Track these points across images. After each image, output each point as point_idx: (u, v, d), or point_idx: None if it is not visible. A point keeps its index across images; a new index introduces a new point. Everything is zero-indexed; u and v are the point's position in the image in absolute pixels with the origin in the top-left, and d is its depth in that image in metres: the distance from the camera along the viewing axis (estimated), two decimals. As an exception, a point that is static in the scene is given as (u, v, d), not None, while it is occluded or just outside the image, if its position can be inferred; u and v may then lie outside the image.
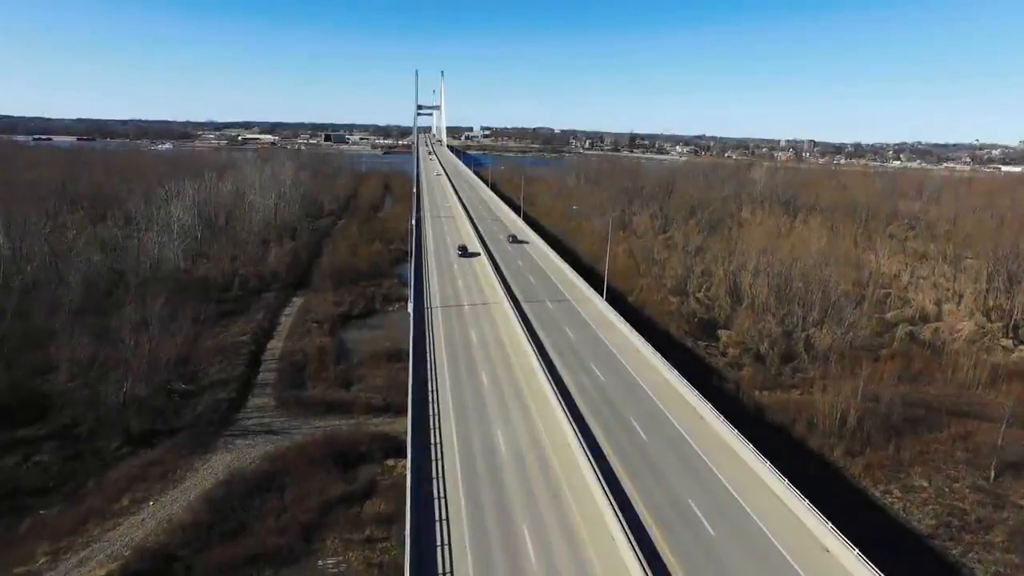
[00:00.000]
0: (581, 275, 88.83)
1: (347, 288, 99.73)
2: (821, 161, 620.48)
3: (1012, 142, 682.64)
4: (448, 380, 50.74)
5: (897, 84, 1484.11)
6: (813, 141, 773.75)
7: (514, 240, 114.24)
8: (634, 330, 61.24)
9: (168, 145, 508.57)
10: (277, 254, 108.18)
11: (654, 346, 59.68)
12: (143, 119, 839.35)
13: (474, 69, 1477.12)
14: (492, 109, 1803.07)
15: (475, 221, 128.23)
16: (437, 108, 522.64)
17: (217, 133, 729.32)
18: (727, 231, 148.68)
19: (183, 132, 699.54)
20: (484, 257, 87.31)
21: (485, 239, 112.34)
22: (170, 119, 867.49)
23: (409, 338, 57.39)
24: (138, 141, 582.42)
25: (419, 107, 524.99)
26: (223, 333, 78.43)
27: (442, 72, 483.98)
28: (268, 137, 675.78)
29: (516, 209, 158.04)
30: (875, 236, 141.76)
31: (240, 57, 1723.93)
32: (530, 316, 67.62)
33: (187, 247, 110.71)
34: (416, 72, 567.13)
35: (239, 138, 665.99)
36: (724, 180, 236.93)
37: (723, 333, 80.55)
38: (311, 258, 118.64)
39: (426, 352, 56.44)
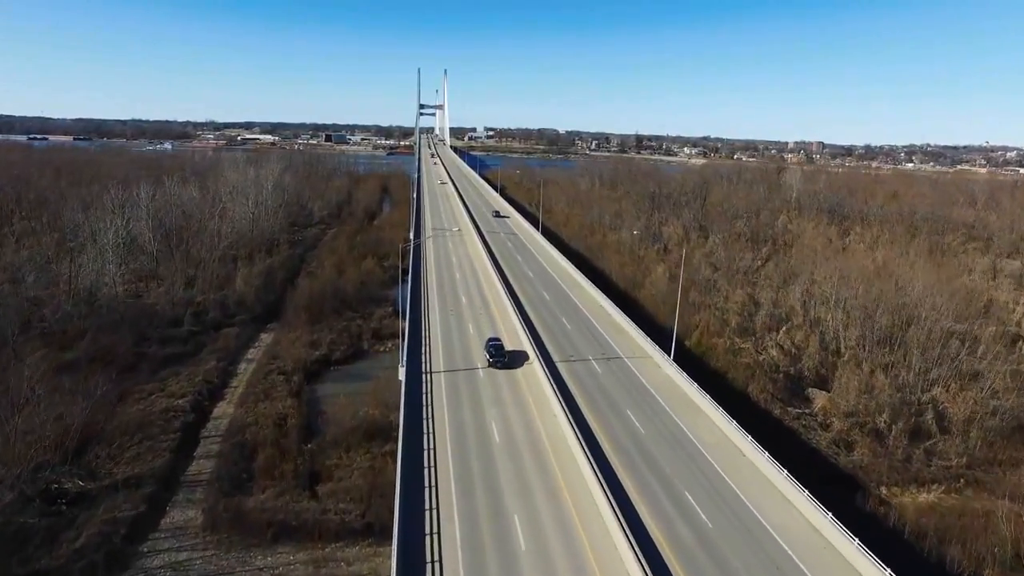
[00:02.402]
0: (617, 303, 69.50)
1: (329, 320, 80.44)
2: (834, 163, 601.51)
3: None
4: (459, 532, 31.09)
5: (903, 86, 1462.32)
6: (822, 143, 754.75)
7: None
8: (729, 417, 41.59)
9: (168, 145, 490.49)
10: (245, 276, 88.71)
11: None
12: (144, 119, 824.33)
13: (476, 70, 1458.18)
14: (495, 110, 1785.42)
15: (496, 254, 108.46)
16: (440, 108, 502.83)
17: (216, 133, 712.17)
18: (772, 245, 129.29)
19: (182, 132, 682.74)
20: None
21: (502, 265, 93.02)
22: (171, 119, 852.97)
23: (398, 447, 37.62)
24: (135, 141, 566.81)
25: (421, 106, 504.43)
26: (156, 394, 58.89)
27: (445, 71, 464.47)
28: (268, 137, 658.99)
29: (526, 215, 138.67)
30: (949, 251, 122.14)
31: (241, 57, 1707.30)
32: (573, 387, 47.89)
33: (138, 267, 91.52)
34: (419, 71, 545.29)
35: (239, 138, 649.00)
36: (751, 184, 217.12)
37: (817, 395, 60.96)
38: (290, 278, 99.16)
39: (424, 464, 36.83)
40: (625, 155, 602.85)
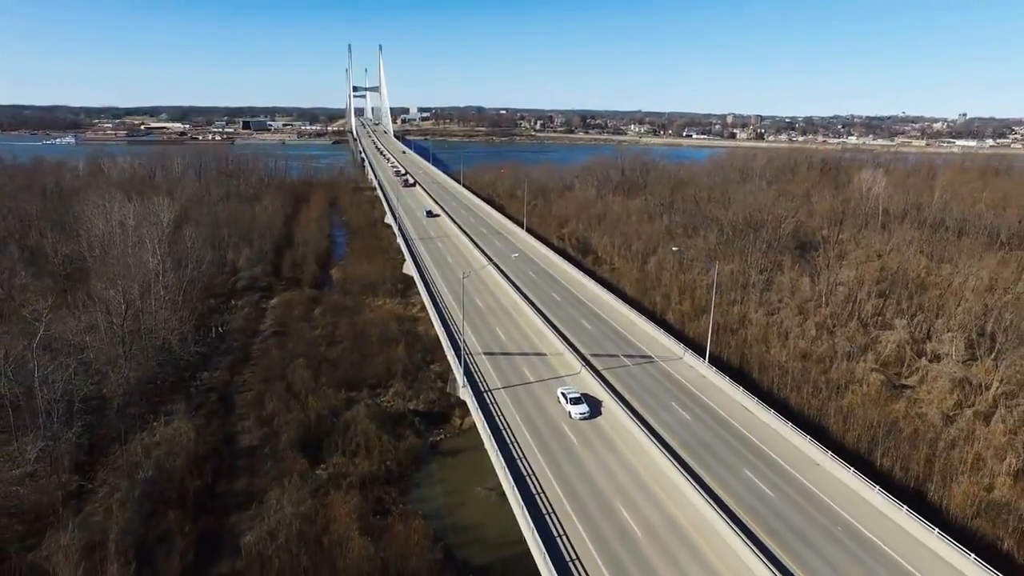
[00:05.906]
0: None
1: None
2: (782, 138, 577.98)
3: (950, 115, 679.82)
4: None
5: (828, 58, 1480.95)
6: (759, 115, 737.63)
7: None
8: None
9: (70, 138, 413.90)
10: None
11: None
12: (29, 104, 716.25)
13: (401, 48, 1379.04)
14: (425, 91, 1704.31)
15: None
16: (375, 90, 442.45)
17: (116, 121, 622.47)
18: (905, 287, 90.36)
19: (74, 121, 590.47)
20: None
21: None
22: (63, 104, 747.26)
23: None
24: (14, 132, 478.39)
25: (354, 88, 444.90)
26: None
27: (380, 46, 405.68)
28: (177, 126, 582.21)
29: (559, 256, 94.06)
30: None
31: (147, 35, 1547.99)
32: None
33: None
34: (349, 47, 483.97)
35: (142, 127, 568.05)
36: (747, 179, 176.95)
37: None
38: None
39: None
40: (589, 133, 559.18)
